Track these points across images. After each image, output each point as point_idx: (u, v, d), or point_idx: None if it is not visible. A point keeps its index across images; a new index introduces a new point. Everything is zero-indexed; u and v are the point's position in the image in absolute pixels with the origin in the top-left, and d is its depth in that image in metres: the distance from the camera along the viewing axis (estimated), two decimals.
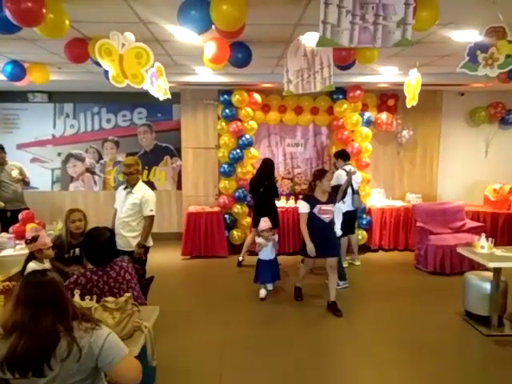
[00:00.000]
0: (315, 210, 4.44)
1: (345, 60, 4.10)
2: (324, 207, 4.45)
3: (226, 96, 6.86)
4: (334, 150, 6.69)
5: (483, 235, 4.35)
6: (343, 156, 5.77)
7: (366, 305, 4.89)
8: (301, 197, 4.94)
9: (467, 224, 6.27)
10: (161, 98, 4.92)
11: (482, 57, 3.53)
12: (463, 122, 7.59)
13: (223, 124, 6.95)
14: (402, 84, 5.25)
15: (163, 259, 6.45)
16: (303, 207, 4.49)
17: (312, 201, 4.48)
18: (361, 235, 6.83)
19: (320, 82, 3.19)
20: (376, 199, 7.27)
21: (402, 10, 2.30)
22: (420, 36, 4.06)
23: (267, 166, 6.07)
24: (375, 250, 7.00)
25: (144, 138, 7.66)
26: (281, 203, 6.90)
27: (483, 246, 4.23)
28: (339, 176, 5.52)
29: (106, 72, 3.75)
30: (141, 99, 6.99)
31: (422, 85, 4.97)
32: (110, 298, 2.36)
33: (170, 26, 3.68)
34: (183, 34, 3.87)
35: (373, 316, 4.56)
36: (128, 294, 2.46)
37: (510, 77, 5.47)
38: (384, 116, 7.14)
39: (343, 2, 2.28)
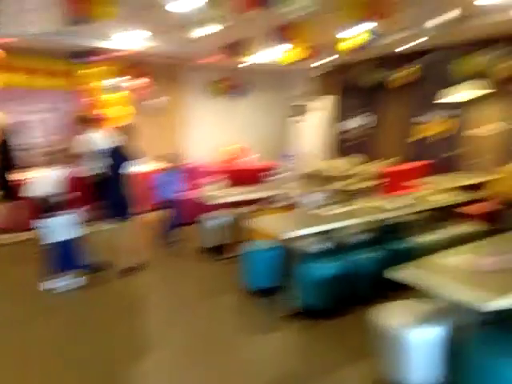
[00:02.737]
0: None
1: (78, 12, 4.00)
2: None
3: None
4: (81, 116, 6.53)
5: (209, 184, 5.29)
6: (86, 121, 5.76)
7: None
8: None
9: (209, 180, 7.33)
10: None
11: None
12: (204, 93, 8.66)
13: None
14: (151, 53, 5.45)
15: None
16: None
17: None
18: None
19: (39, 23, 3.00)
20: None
21: None
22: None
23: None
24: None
25: None
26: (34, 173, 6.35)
27: (210, 192, 5.14)
28: (85, 141, 5.52)
29: None
30: None
31: (166, 56, 5.33)
32: None
33: None
34: None
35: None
36: None
37: (231, 53, 6.61)
38: (134, 82, 7.37)
39: None
